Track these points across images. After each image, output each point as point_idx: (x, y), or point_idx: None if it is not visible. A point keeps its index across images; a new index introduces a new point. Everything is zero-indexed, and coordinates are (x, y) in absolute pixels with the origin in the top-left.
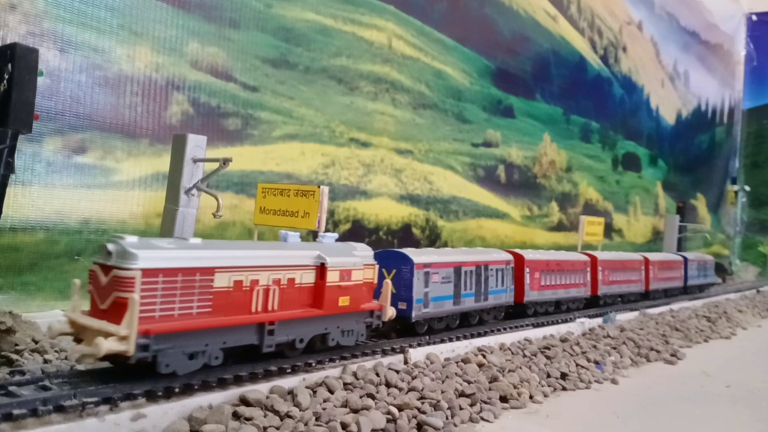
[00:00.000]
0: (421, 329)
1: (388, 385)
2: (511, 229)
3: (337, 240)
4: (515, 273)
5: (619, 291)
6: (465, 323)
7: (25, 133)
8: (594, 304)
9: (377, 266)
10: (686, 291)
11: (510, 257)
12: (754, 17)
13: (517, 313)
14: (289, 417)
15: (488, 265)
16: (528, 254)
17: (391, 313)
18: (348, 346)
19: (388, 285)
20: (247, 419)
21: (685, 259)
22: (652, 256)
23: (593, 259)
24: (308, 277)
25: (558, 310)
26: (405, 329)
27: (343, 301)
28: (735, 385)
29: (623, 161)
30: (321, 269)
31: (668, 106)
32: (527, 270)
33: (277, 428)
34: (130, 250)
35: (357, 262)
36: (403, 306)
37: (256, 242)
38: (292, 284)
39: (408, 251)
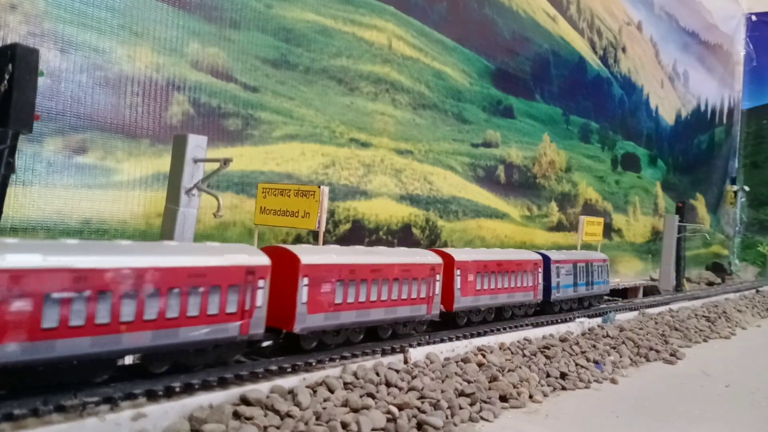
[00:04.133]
0: None
1: (388, 384)
2: (511, 229)
3: None
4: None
5: (359, 320)
6: None
7: (26, 133)
8: (293, 348)
9: None
10: (552, 308)
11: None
12: (754, 17)
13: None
14: (290, 416)
15: None
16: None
17: None
18: None
19: None
20: (248, 418)
21: (546, 259)
22: (465, 254)
23: (298, 262)
24: None
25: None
26: None
27: None
28: (734, 385)
29: (623, 161)
30: None
31: (668, 106)
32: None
33: (278, 427)
34: None
35: None
36: None
37: None
38: None
39: None
